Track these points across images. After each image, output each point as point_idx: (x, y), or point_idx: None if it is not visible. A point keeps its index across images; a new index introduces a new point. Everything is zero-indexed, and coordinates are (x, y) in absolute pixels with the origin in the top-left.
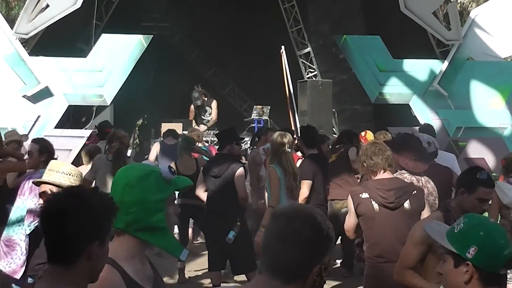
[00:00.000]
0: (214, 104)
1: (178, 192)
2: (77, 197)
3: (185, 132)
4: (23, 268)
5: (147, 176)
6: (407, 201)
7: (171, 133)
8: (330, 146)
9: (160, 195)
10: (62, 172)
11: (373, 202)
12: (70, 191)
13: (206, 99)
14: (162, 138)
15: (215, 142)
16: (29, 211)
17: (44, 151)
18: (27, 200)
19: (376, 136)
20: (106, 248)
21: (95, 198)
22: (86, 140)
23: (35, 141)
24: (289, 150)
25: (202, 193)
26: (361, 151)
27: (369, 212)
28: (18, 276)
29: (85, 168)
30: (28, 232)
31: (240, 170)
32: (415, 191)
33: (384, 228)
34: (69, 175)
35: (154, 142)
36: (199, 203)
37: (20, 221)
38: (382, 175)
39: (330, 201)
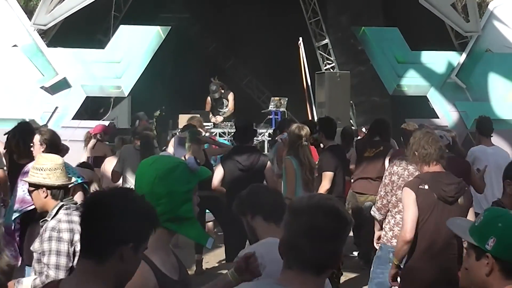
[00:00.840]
0: (231, 96)
1: None
2: (121, 197)
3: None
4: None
5: (175, 168)
6: (461, 197)
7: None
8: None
9: (188, 185)
10: (34, 169)
11: (434, 195)
12: (117, 190)
13: (223, 91)
14: (179, 130)
15: (231, 134)
16: (18, 198)
17: (44, 143)
18: (18, 188)
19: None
20: (139, 254)
21: (140, 202)
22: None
23: (39, 131)
24: (306, 143)
25: (219, 185)
26: (413, 140)
27: (428, 204)
28: (18, 264)
29: (111, 162)
30: (14, 217)
31: (269, 163)
32: (466, 187)
33: (440, 222)
34: (41, 170)
35: (172, 134)
36: (215, 194)
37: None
38: (434, 167)
39: (354, 193)
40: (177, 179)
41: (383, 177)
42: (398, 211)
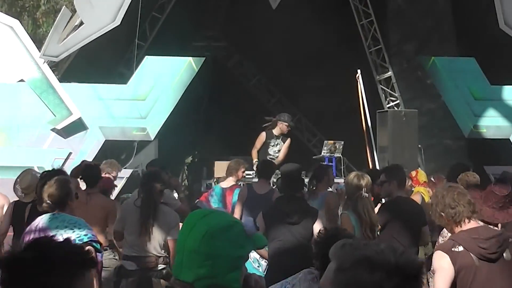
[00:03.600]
0: (288, 141)
1: None
2: (35, 249)
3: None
4: None
5: (230, 228)
6: (506, 251)
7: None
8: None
9: (240, 251)
10: None
11: (472, 255)
12: (31, 243)
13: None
14: (214, 180)
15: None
16: None
17: None
18: None
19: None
20: None
21: (59, 250)
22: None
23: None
24: (366, 194)
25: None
26: (434, 199)
27: (468, 267)
28: None
29: None
30: None
31: (318, 216)
32: (511, 239)
33: (486, 284)
34: None
35: (206, 184)
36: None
37: None
38: (468, 225)
39: None
40: (230, 241)
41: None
42: None
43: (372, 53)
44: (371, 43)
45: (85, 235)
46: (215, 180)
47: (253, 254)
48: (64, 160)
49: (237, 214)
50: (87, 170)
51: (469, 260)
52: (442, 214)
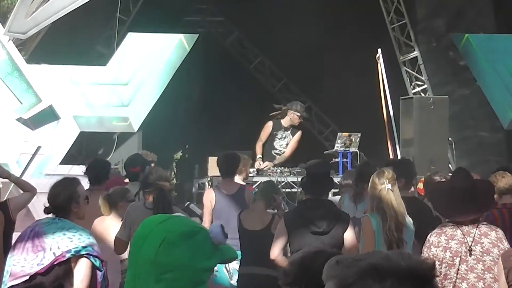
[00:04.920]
0: (298, 134)
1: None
2: None
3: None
4: None
5: (193, 234)
6: None
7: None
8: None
9: (207, 263)
10: None
11: None
12: None
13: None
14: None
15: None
16: None
17: None
18: None
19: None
20: None
21: None
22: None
23: None
24: (391, 188)
25: (281, 257)
26: None
27: None
28: None
29: (104, 221)
30: None
31: (350, 223)
32: None
33: None
34: None
35: (199, 184)
36: (271, 272)
37: None
38: None
39: None
40: (193, 250)
41: None
42: None
43: (395, 29)
44: (394, 18)
45: (83, 247)
46: (209, 179)
47: (233, 265)
48: (31, 155)
49: (206, 223)
50: (92, 165)
51: None
52: None
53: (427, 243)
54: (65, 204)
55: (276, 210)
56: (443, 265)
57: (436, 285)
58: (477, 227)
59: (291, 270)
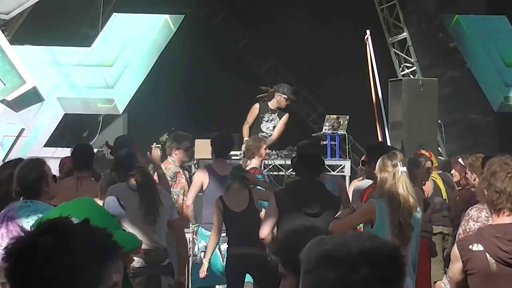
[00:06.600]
0: (285, 117)
1: (227, 234)
2: (52, 232)
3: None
4: None
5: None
6: None
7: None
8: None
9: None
10: None
11: (489, 257)
12: (45, 225)
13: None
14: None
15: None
16: None
17: None
18: None
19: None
20: None
21: (80, 234)
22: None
23: None
24: (404, 169)
25: (270, 237)
26: (486, 173)
27: (482, 270)
28: None
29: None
30: None
31: (341, 207)
32: None
33: None
34: None
35: (186, 167)
36: (260, 252)
37: None
38: (504, 218)
39: None
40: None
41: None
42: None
43: (384, 10)
44: None
45: None
46: (195, 162)
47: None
48: (15, 138)
49: (189, 200)
50: (77, 150)
51: (484, 263)
52: (484, 193)
53: (466, 216)
54: (35, 184)
55: (257, 187)
56: None
57: (400, 267)
58: None
59: (279, 239)
